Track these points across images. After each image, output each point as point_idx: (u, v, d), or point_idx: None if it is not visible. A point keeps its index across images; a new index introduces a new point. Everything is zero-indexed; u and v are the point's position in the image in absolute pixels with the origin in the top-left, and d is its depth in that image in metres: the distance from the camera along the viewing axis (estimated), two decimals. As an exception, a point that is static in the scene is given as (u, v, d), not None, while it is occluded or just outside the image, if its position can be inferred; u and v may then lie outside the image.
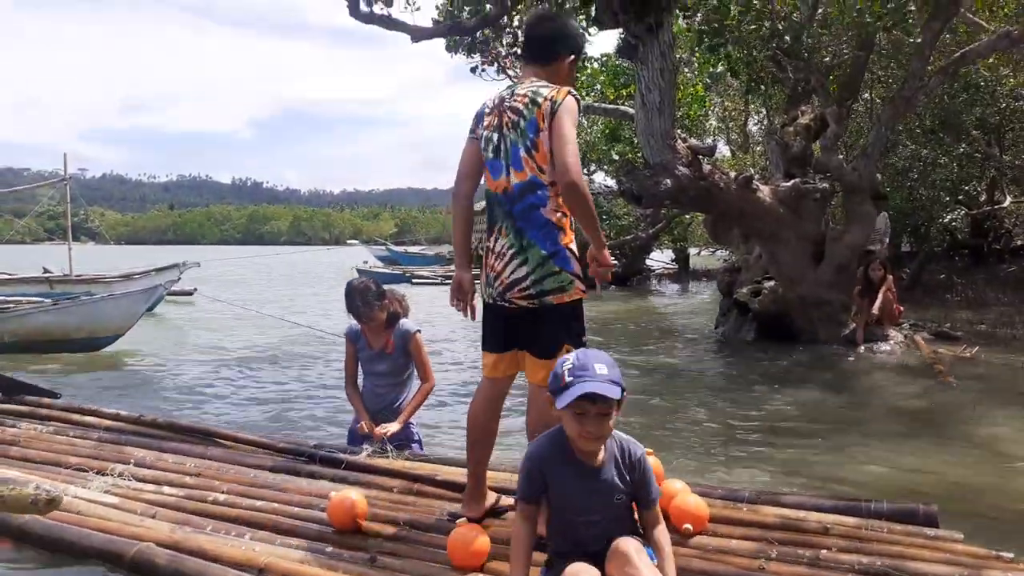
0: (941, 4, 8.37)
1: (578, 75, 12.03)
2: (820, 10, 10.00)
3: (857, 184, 9.14)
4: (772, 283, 9.56)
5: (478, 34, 10.14)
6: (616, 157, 16.71)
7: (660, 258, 28.54)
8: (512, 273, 2.67)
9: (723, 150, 25.46)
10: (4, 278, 16.04)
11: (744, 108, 22.15)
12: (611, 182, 19.66)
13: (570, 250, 2.65)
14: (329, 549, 2.63)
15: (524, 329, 2.68)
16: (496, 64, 11.81)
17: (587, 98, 13.41)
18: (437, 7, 9.67)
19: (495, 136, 2.73)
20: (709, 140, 21.76)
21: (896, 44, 10.80)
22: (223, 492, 3.19)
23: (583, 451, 2.08)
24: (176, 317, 14.59)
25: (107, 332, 9.61)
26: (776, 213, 8.91)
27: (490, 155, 2.76)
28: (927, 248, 16.69)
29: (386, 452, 3.61)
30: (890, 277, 8.80)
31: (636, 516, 2.15)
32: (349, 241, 70.70)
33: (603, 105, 12.72)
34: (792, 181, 9.23)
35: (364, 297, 3.63)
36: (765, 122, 18.92)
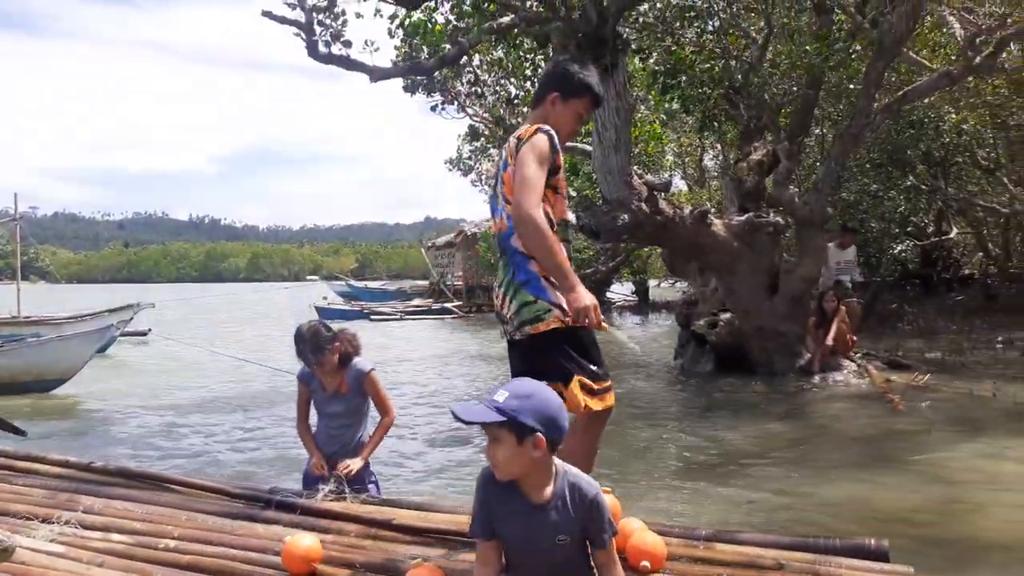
0: (884, 45, 8.70)
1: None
2: (770, 50, 10.33)
3: (809, 218, 9.38)
4: (728, 315, 9.72)
5: (436, 74, 10.26)
6: (573, 193, 16.91)
7: (620, 290, 28.84)
8: (504, 308, 2.71)
9: (680, 185, 25.97)
10: (-50, 320, 15.58)
11: (700, 144, 22.65)
12: (571, 217, 19.91)
13: (547, 279, 2.60)
14: (282, 597, 2.58)
15: (526, 362, 2.66)
16: (456, 103, 11.97)
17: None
18: (396, 48, 9.81)
19: (493, 178, 2.81)
20: (666, 175, 22.18)
21: (843, 82, 11.18)
22: (174, 539, 3.11)
23: (525, 486, 2.02)
24: (130, 358, 14.29)
25: (55, 375, 9.38)
26: (731, 246, 9.08)
27: (489, 194, 2.86)
28: (879, 278, 17.11)
29: (343, 494, 3.57)
30: (843, 308, 9.00)
31: (591, 559, 2.10)
32: (309, 277, 70.11)
33: (561, 142, 12.91)
34: (746, 215, 9.43)
35: (314, 343, 3.55)
36: (720, 157, 19.38)
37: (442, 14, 9.36)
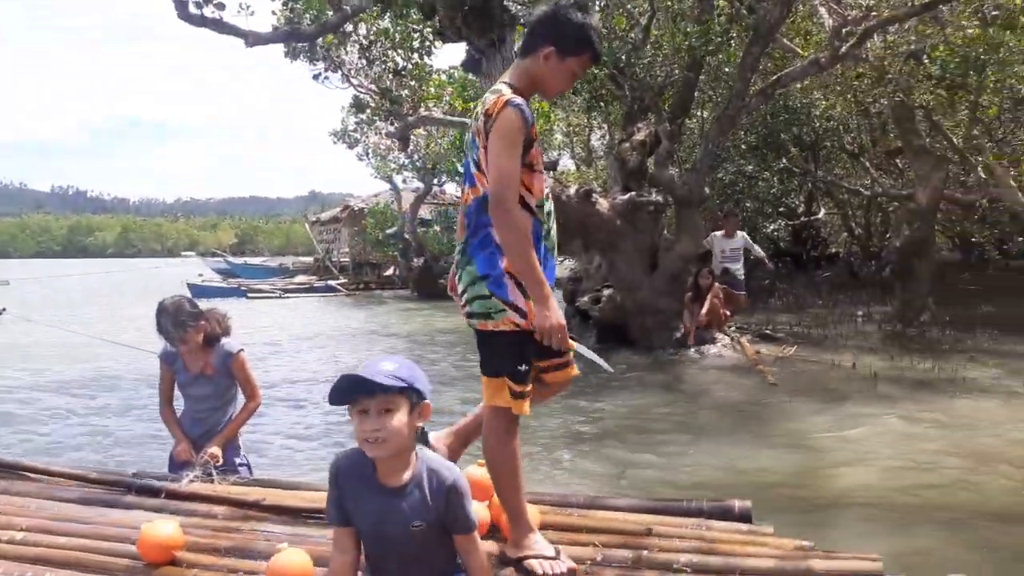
0: (760, 31, 9.04)
1: (423, 87, 11.99)
2: (654, 32, 10.55)
3: (687, 197, 9.68)
4: (611, 291, 9.94)
5: (320, 41, 9.91)
6: (460, 168, 16.84)
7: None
8: (457, 286, 2.49)
9: (568, 164, 26.29)
10: None
11: (587, 124, 22.98)
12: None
13: (511, 276, 2.34)
14: (137, 585, 2.44)
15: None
16: (340, 72, 11.62)
17: (435, 110, 13.43)
18: (275, 12, 9.39)
19: (466, 147, 2.49)
20: (554, 154, 22.42)
21: (722, 66, 11.57)
22: (22, 530, 2.88)
23: (382, 468, 1.97)
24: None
25: None
26: (614, 225, 9.27)
27: (464, 161, 2.52)
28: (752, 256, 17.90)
29: (211, 477, 3.41)
30: (717, 284, 9.37)
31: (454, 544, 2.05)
32: (184, 253, 66.61)
33: (449, 117, 12.78)
34: (629, 195, 9.64)
35: (176, 318, 3.35)
36: (606, 137, 19.73)
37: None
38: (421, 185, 21.93)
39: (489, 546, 2.49)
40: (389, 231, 23.08)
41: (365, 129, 18.00)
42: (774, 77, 10.36)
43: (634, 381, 7.95)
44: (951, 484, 4.52)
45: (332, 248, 30.74)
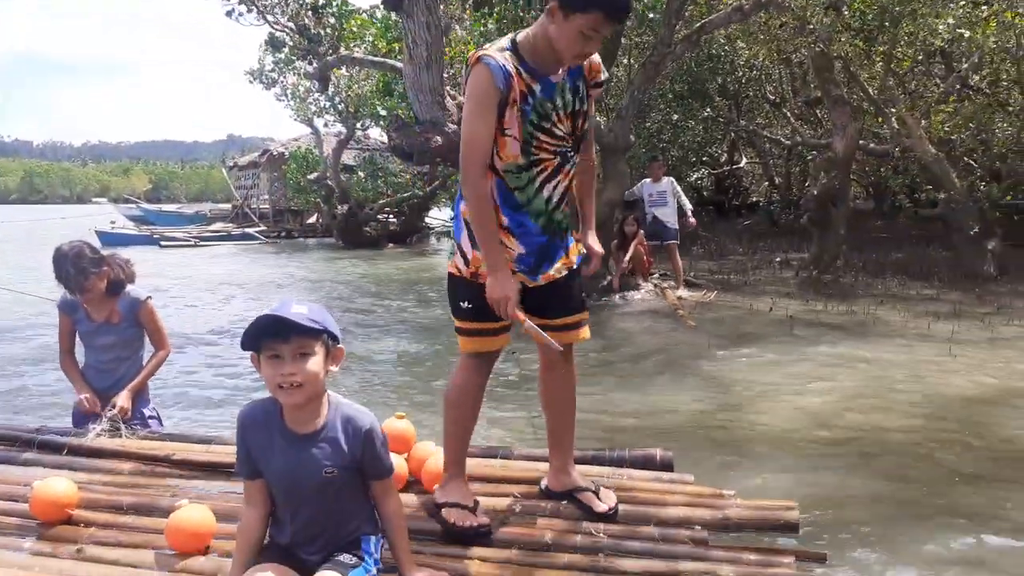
0: (685, -24, 8.97)
1: (343, 26, 11.51)
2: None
3: (613, 144, 9.65)
4: (539, 238, 9.89)
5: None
6: (383, 112, 16.34)
7: (440, 216, 28.71)
8: None
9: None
10: None
11: (515, 68, 22.62)
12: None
13: (467, 222, 2.31)
14: (28, 544, 2.31)
15: None
16: (255, 8, 11.05)
17: (357, 51, 12.94)
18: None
19: None
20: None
21: (647, 12, 11.47)
22: (-97, 493, 2.69)
23: (293, 415, 1.90)
24: None
25: None
26: (541, 171, 9.18)
27: None
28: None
29: (118, 431, 3.26)
30: (641, 232, 9.44)
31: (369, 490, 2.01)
32: (95, 199, 63.28)
33: (371, 58, 12.34)
34: (556, 140, 9.54)
35: (77, 264, 3.14)
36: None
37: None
38: (344, 129, 21.28)
39: (407, 499, 2.45)
40: (311, 177, 22.40)
41: (283, 69, 17.26)
42: (699, 24, 10.35)
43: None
44: (859, 424, 4.70)
45: (251, 194, 29.71)
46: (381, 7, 14.22)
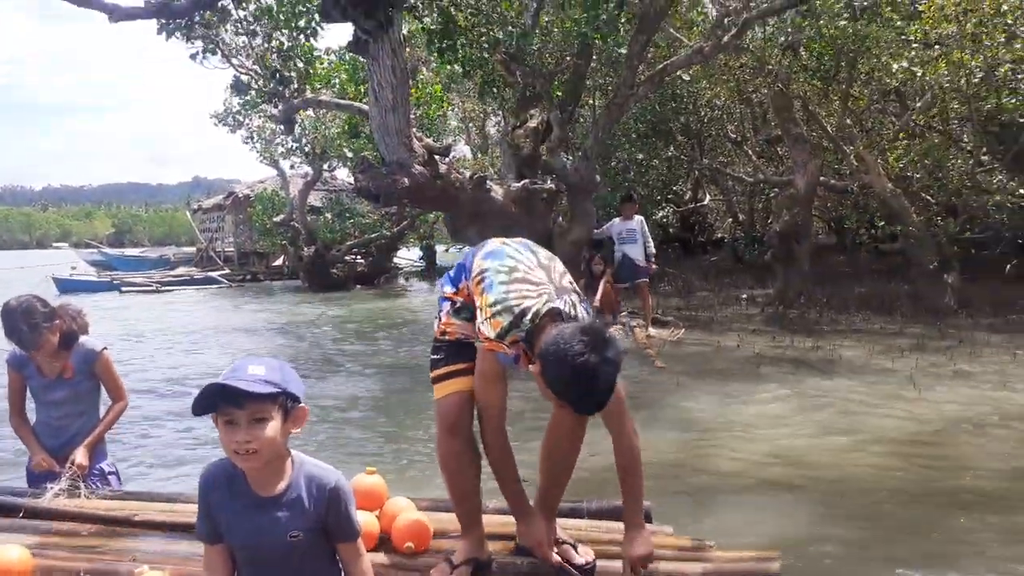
0: (646, 19, 9.17)
1: (309, 70, 11.56)
2: (545, 19, 10.53)
3: (579, 184, 9.75)
4: (507, 278, 9.88)
5: (197, 17, 9.36)
6: (350, 154, 16.35)
7: (408, 256, 28.64)
8: None
9: (464, 150, 26.12)
10: None
11: (483, 110, 22.88)
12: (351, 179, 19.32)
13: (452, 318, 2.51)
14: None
15: None
16: (219, 52, 11.04)
17: (324, 93, 12.99)
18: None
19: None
20: (450, 140, 22.21)
21: (612, 53, 11.70)
22: None
23: (254, 477, 1.83)
24: None
25: None
26: (509, 211, 9.23)
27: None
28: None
29: (78, 490, 3.14)
30: (608, 270, 9.50)
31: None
32: (55, 244, 62.08)
33: (337, 101, 12.39)
34: (522, 182, 9.61)
35: (29, 320, 3.02)
36: (501, 124, 19.70)
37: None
38: (310, 170, 21.23)
39: (378, 558, 2.38)
40: (277, 219, 22.22)
41: (249, 112, 17.22)
42: (661, 66, 10.56)
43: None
44: (829, 462, 4.71)
45: (216, 237, 29.40)
46: (346, 50, 14.36)
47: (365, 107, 10.59)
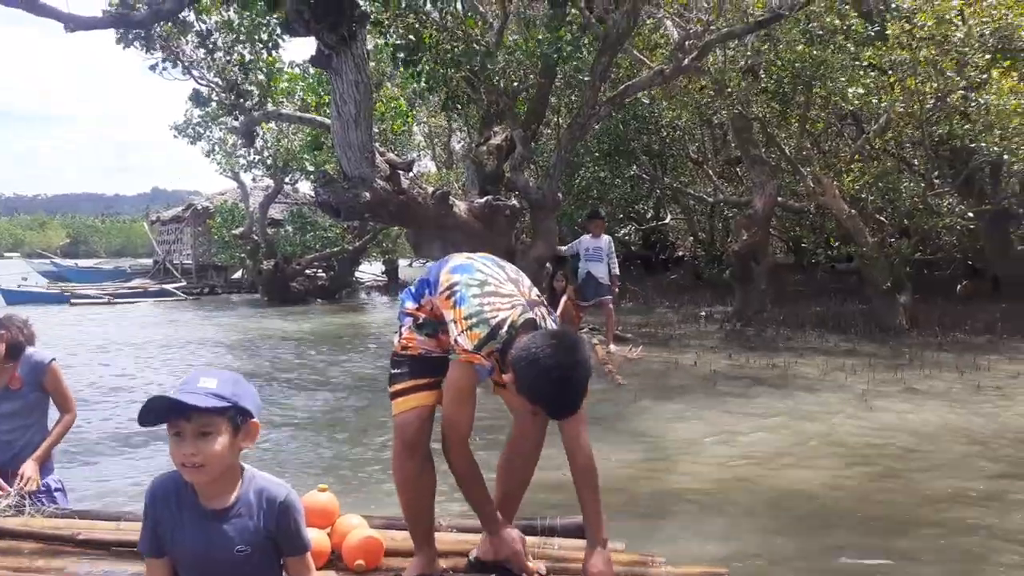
0: (609, 40, 9.29)
1: (270, 83, 11.50)
2: (509, 38, 10.62)
3: (541, 202, 9.82)
4: (469, 294, 9.88)
5: (157, 28, 9.26)
6: (311, 167, 16.23)
7: (370, 270, 28.47)
8: None
9: (429, 166, 26.12)
10: None
11: (448, 126, 22.92)
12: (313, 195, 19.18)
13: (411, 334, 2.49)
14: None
15: None
16: (179, 63, 10.93)
17: (286, 106, 12.92)
18: (106, -7, 8.65)
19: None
20: (415, 155, 22.20)
21: (575, 74, 11.83)
22: None
23: (203, 490, 1.80)
24: None
25: None
26: (472, 227, 9.24)
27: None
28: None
29: (23, 508, 3.06)
30: (571, 287, 9.55)
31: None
32: (7, 254, 60.50)
33: (299, 114, 12.33)
34: (486, 198, 9.65)
35: None
36: (466, 140, 19.76)
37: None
38: (272, 183, 21.02)
39: (327, 576, 2.35)
40: (236, 231, 21.93)
41: (209, 124, 17.02)
42: (623, 87, 10.71)
43: (486, 384, 7.93)
44: (783, 479, 4.78)
45: (174, 249, 28.91)
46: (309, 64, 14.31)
47: (327, 120, 10.55)
